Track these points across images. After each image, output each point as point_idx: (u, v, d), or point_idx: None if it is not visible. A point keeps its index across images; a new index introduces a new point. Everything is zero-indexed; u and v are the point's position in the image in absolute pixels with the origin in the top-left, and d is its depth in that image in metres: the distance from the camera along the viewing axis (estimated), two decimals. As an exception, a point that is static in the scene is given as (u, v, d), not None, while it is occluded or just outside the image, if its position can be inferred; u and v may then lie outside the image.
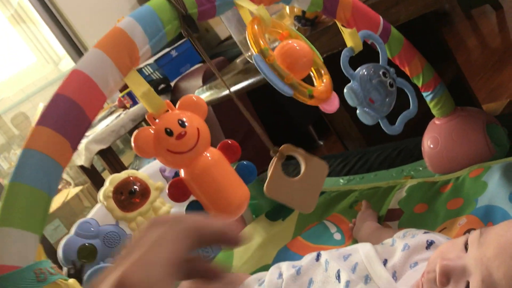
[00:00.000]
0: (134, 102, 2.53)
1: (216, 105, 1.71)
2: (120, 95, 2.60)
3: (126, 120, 2.29)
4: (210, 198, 0.58)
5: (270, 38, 1.03)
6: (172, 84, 2.47)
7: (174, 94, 2.39)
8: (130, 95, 2.55)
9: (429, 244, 0.66)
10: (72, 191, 3.39)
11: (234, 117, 1.65)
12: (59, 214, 3.21)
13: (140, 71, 2.63)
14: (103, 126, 2.35)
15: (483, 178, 0.84)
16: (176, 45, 2.60)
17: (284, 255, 0.99)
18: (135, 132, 0.57)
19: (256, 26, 0.58)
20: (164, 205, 1.13)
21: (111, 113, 2.63)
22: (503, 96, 1.94)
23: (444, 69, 1.51)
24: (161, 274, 0.34)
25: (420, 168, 1.07)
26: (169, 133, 0.55)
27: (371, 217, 0.93)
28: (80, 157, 2.39)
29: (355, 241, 0.93)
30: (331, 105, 0.58)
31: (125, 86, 2.68)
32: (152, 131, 0.56)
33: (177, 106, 0.58)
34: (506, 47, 2.42)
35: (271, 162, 0.85)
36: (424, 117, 1.02)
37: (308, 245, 0.98)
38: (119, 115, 2.38)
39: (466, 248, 0.54)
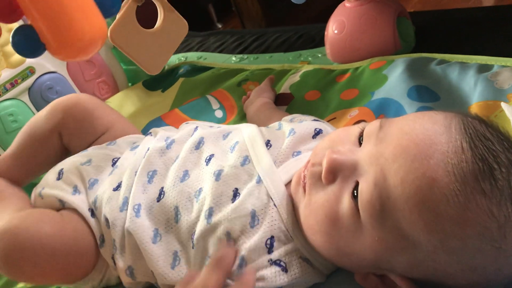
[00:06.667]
0: None
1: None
2: None
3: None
4: (51, 23, 0.42)
5: None
6: None
7: None
8: None
9: (317, 133, 0.58)
10: None
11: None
12: None
13: None
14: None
15: (384, 71, 0.78)
16: None
17: (156, 126, 0.87)
18: None
19: None
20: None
21: None
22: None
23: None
24: None
25: (319, 55, 0.98)
26: None
27: (268, 94, 0.84)
28: None
29: (237, 121, 0.84)
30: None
31: None
32: None
33: None
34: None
35: (125, 1, 0.69)
36: (335, 3, 0.91)
37: (185, 119, 0.87)
38: None
39: (360, 141, 0.46)
